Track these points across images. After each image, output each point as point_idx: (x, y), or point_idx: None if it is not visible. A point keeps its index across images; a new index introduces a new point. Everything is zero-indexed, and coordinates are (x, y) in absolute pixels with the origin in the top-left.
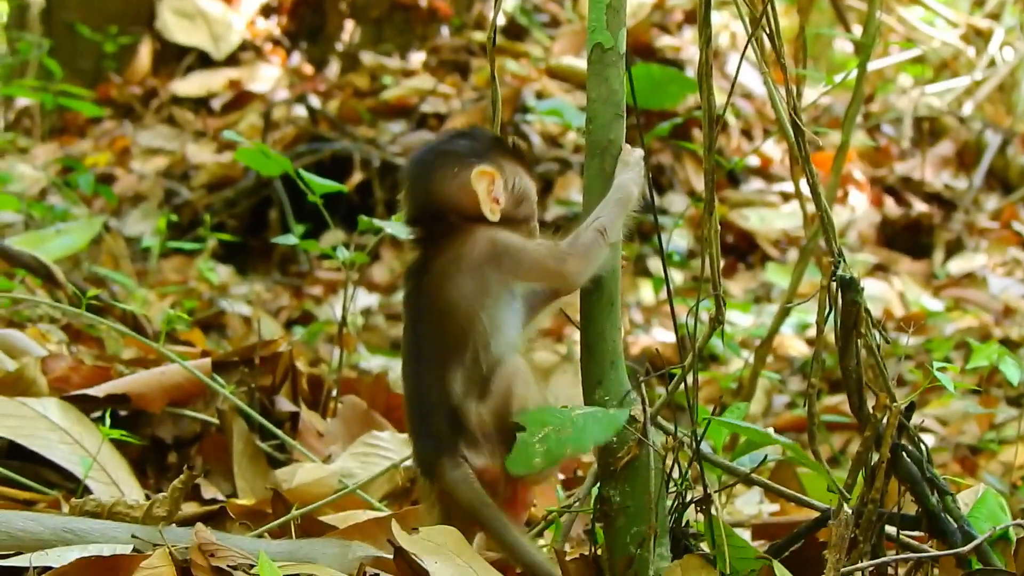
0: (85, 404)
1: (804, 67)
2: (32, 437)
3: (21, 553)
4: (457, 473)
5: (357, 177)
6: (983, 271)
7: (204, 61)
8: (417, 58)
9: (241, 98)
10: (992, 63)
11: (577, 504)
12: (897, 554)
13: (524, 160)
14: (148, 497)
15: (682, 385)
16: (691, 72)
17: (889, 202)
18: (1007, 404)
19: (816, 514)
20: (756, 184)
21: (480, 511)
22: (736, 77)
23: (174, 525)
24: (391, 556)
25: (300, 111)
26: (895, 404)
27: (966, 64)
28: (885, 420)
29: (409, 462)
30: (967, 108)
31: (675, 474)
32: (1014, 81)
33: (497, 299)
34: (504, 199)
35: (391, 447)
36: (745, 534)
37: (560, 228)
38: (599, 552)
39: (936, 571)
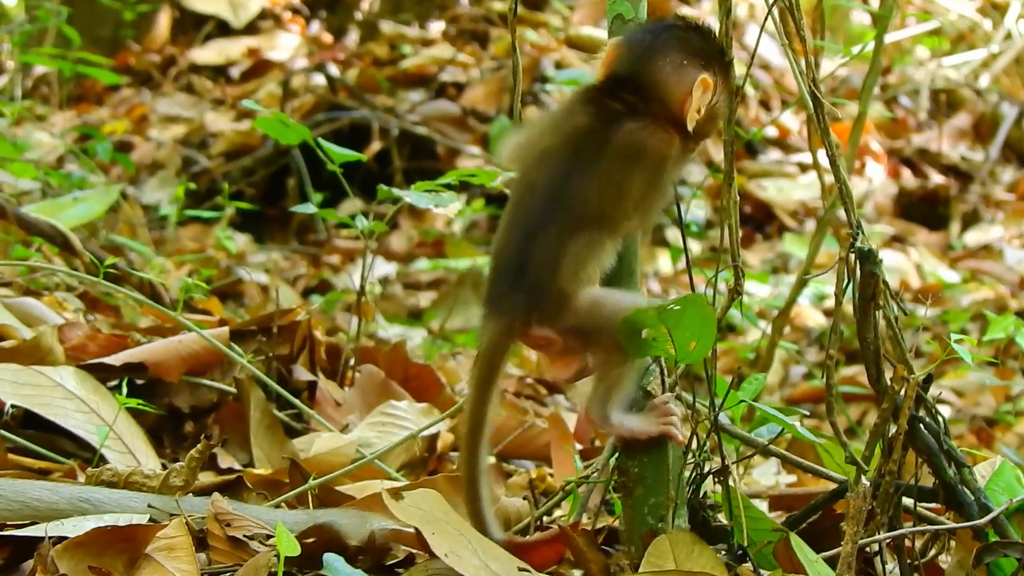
0: (102, 373)
1: (822, 39)
2: (48, 406)
3: (37, 523)
4: (496, 336)
5: (376, 146)
6: (999, 243)
7: (223, 29)
8: (436, 27)
9: (260, 66)
10: (1008, 36)
11: (595, 475)
12: (914, 526)
13: (731, 82)
14: (165, 467)
15: None
16: None
17: (906, 173)
18: (1023, 376)
19: (833, 486)
20: (774, 155)
21: (479, 385)
22: (756, 48)
23: (191, 495)
24: (408, 527)
25: (319, 80)
26: (913, 376)
27: (983, 37)
28: (903, 392)
29: (426, 432)
30: (984, 80)
31: (693, 445)
32: None
33: (645, 213)
34: (703, 112)
35: (409, 417)
36: (762, 505)
37: None
38: (617, 523)
39: (953, 543)
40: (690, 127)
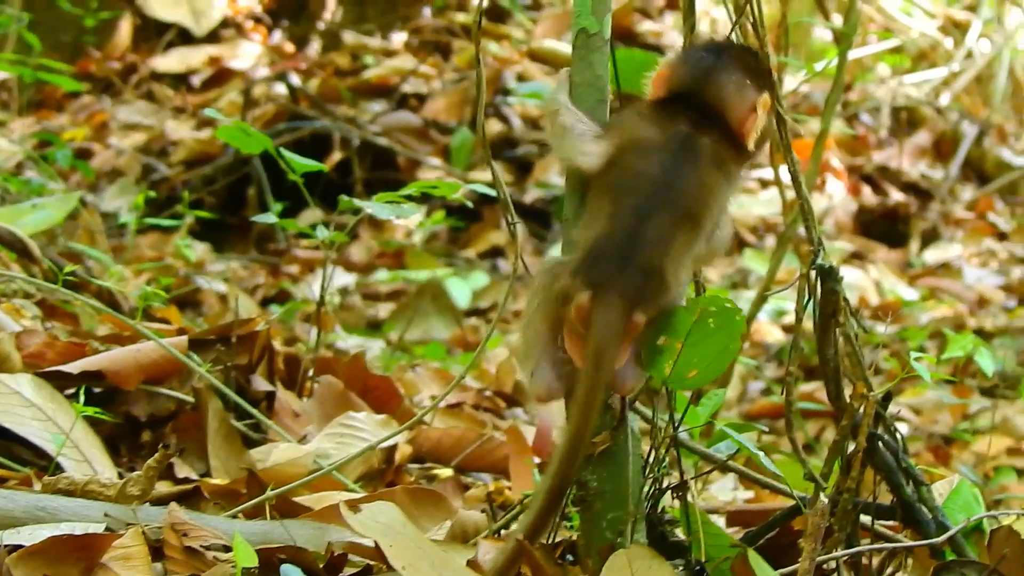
0: (59, 380)
1: (786, 55)
2: (4, 413)
3: None
4: (615, 314)
5: (337, 156)
6: (958, 261)
7: (184, 37)
8: (399, 38)
9: (221, 75)
10: (969, 54)
11: None
12: (872, 543)
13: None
14: (121, 475)
15: None
16: None
17: (866, 190)
18: (981, 394)
19: (791, 502)
20: None
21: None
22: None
23: (147, 504)
24: (366, 539)
25: (280, 89)
26: (872, 393)
27: (944, 55)
28: (862, 409)
29: (384, 444)
30: (944, 99)
31: (652, 460)
32: (991, 73)
33: (717, 228)
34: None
35: (367, 428)
36: (720, 521)
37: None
38: (575, 537)
39: (910, 561)
40: (750, 146)
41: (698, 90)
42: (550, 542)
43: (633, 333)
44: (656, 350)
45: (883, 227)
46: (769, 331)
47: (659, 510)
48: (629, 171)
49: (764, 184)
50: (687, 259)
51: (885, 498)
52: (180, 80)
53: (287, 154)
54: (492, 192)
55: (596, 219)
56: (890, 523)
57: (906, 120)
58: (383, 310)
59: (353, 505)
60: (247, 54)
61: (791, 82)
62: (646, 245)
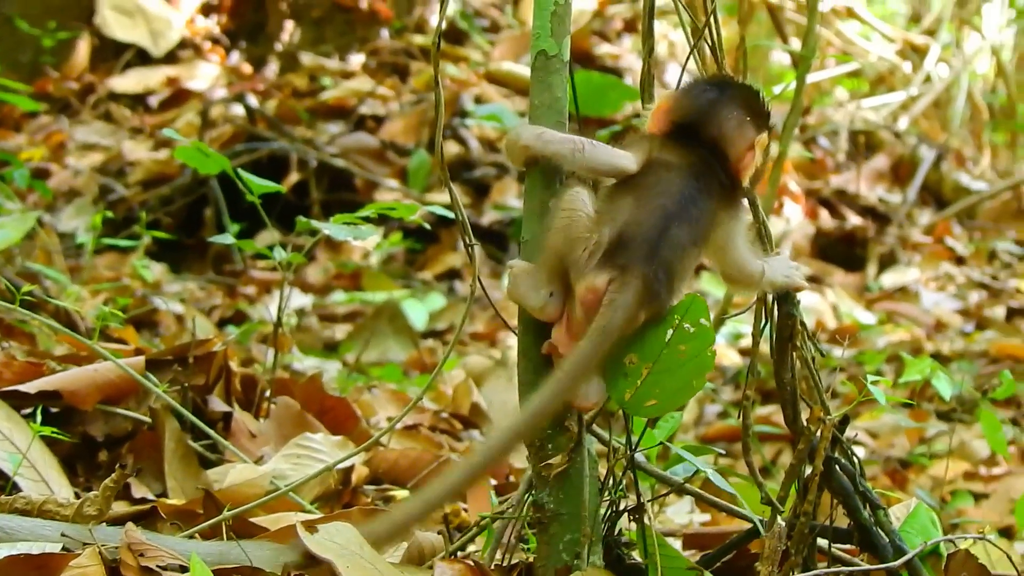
0: (16, 400)
1: (744, 78)
2: None
3: None
4: (634, 299)
5: (294, 177)
6: (916, 285)
7: (142, 58)
8: (357, 60)
9: (179, 96)
10: (928, 79)
11: (511, 510)
12: (829, 567)
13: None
14: (78, 495)
15: None
16: (630, 80)
17: (824, 214)
18: (937, 418)
19: (748, 525)
20: None
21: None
22: (677, 87)
23: (104, 524)
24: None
25: (238, 110)
26: (829, 417)
27: (902, 79)
28: (819, 433)
29: (340, 465)
30: (902, 123)
31: (609, 482)
32: (949, 97)
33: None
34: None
35: (324, 449)
36: (677, 544)
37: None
38: (532, 559)
39: None
40: (745, 183)
41: (700, 124)
42: (506, 564)
43: (632, 327)
44: (621, 370)
45: (841, 251)
46: (726, 354)
47: (616, 532)
48: (656, 177)
49: None
50: (687, 277)
51: (842, 521)
52: (138, 100)
53: (244, 175)
54: (449, 214)
55: (620, 211)
56: (847, 547)
57: (864, 144)
58: (340, 331)
59: (310, 526)
60: (205, 75)
61: None
62: (670, 245)
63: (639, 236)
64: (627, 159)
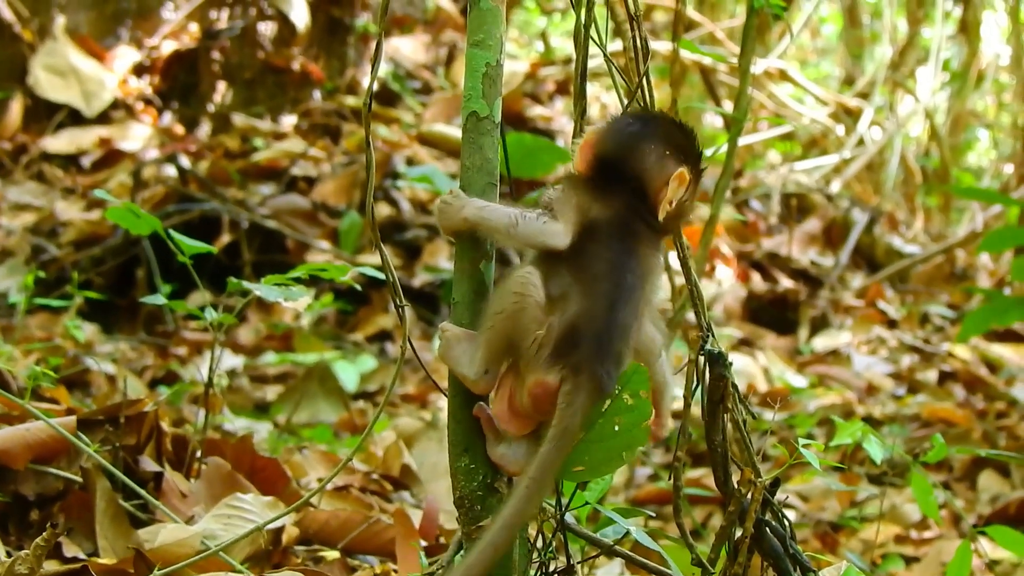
0: None
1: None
2: None
3: None
4: (588, 400)
5: (226, 238)
6: (847, 348)
7: (75, 118)
8: (288, 121)
9: (111, 156)
10: (861, 142)
11: (440, 571)
12: None
13: (699, 182)
14: (9, 554)
15: None
16: (562, 142)
17: (756, 277)
18: (869, 482)
19: None
20: None
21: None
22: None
23: None
24: None
25: (170, 171)
26: (760, 479)
27: (835, 142)
28: (749, 495)
29: (271, 525)
30: (835, 186)
31: (539, 544)
32: (882, 160)
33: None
34: (674, 206)
35: (254, 509)
36: None
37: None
38: None
39: None
40: (660, 216)
41: (621, 160)
42: None
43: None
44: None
45: (772, 314)
46: None
47: None
48: (592, 256)
49: None
50: (631, 348)
51: None
52: (70, 161)
53: (176, 236)
54: (380, 275)
55: (567, 300)
56: None
57: (796, 207)
58: (271, 392)
59: None
60: (137, 136)
61: None
62: (619, 334)
63: (590, 333)
64: (558, 236)
